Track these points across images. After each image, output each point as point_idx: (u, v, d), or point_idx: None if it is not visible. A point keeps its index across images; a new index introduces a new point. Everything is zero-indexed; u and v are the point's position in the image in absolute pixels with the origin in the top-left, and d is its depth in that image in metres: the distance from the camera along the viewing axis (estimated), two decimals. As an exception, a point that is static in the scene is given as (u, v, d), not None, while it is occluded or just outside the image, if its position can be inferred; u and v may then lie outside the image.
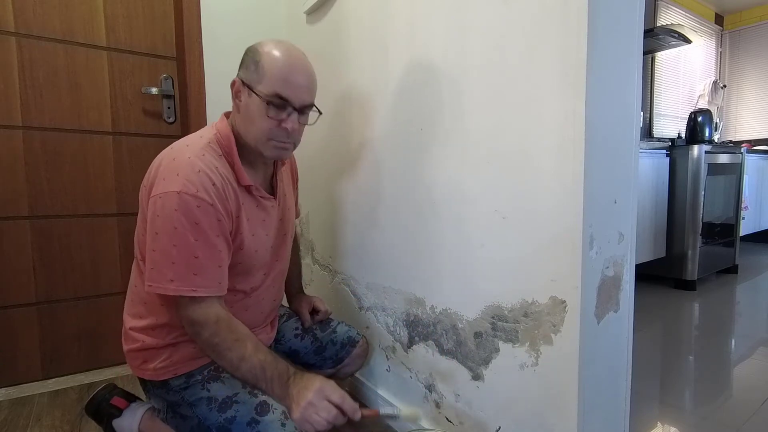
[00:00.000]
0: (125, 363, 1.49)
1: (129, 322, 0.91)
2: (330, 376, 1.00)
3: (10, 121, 1.31)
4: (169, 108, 1.54)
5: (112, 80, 1.44)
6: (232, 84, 0.88)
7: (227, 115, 0.92)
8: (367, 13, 1.15)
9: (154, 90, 1.48)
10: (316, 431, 0.75)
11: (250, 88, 0.84)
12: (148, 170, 0.86)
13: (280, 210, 1.00)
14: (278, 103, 0.84)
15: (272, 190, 0.98)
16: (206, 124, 1.50)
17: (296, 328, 1.13)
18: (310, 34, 1.46)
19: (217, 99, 1.53)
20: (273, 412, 0.82)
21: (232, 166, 0.87)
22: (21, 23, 1.30)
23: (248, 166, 0.90)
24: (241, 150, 0.88)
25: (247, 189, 0.89)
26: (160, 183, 0.79)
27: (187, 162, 0.80)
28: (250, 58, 0.86)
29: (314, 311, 1.15)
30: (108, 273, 1.48)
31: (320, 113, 0.93)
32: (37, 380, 1.40)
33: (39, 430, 1.13)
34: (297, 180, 1.16)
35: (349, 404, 0.77)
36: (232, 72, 1.59)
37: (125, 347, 0.91)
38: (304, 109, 0.88)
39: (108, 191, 1.46)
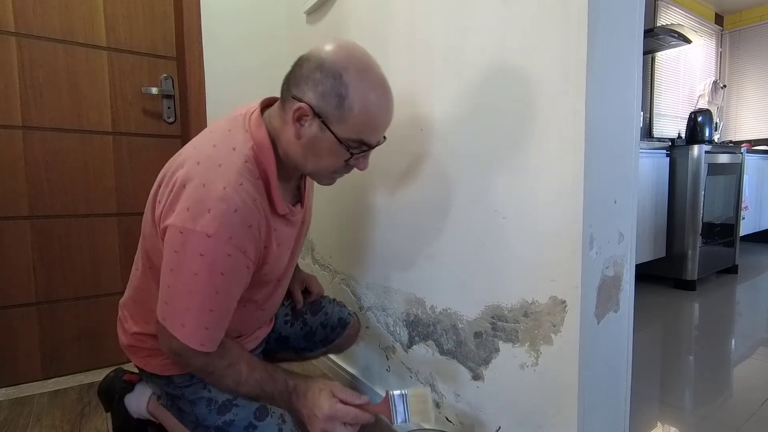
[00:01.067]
0: (125, 363, 1.50)
1: (134, 326, 0.86)
2: (322, 354, 1.04)
3: (10, 121, 1.31)
4: (169, 108, 1.54)
5: (112, 80, 1.44)
6: (296, 108, 0.70)
7: (268, 122, 0.77)
8: (367, 13, 1.15)
9: (154, 90, 1.48)
10: None
11: (325, 123, 0.70)
12: (162, 175, 0.76)
13: (303, 214, 0.90)
14: (358, 147, 0.73)
15: (299, 195, 0.89)
16: (206, 125, 1.50)
17: (286, 315, 1.10)
18: (310, 34, 1.46)
19: (217, 99, 1.53)
20: (271, 416, 0.81)
21: (267, 191, 0.75)
22: (21, 23, 1.30)
23: (282, 181, 0.79)
24: (278, 164, 0.76)
25: (282, 216, 0.80)
26: (184, 213, 0.67)
27: (222, 196, 0.67)
28: (332, 84, 0.68)
29: (306, 291, 1.12)
30: (108, 273, 1.48)
31: (385, 139, 0.79)
32: (37, 380, 1.40)
33: (39, 430, 1.13)
34: None
35: (362, 417, 0.75)
36: (232, 72, 1.60)
37: (126, 343, 0.88)
38: (378, 143, 0.77)
39: (108, 191, 1.46)
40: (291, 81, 0.73)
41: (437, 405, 1.01)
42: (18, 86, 1.31)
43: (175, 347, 0.72)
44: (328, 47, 0.70)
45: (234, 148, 0.72)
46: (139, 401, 1.00)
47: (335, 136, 0.71)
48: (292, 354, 1.12)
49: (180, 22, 1.48)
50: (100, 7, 1.40)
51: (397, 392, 0.77)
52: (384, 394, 0.79)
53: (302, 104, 0.69)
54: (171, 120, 1.55)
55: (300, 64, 0.72)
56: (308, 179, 0.92)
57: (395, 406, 0.77)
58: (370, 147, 0.75)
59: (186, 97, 1.48)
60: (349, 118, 0.69)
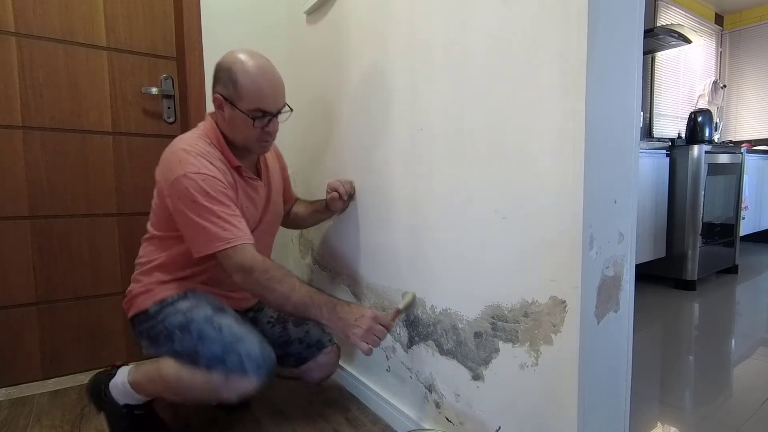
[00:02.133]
0: (125, 363, 1.50)
1: (137, 280, 1.06)
2: (293, 379, 1.12)
3: (10, 121, 1.31)
4: (169, 108, 1.54)
5: (112, 80, 1.44)
6: (214, 98, 1.01)
7: (212, 115, 1.07)
8: (367, 13, 1.15)
9: (154, 90, 1.48)
10: (372, 346, 0.94)
11: (232, 104, 0.99)
12: (157, 170, 1.02)
13: (267, 189, 1.15)
14: (260, 115, 0.99)
15: (258, 173, 1.14)
16: (206, 124, 1.51)
17: (271, 316, 1.19)
18: (310, 34, 1.46)
19: (217, 99, 1.53)
20: (228, 314, 0.99)
21: (222, 152, 1.03)
22: (21, 23, 1.30)
23: (235, 154, 1.05)
24: (227, 143, 1.04)
25: (237, 170, 1.04)
26: (168, 173, 0.96)
27: (183, 151, 0.96)
28: (227, 76, 0.98)
29: (337, 193, 1.21)
30: (108, 273, 1.48)
31: (291, 110, 1.07)
32: (37, 380, 1.40)
33: (39, 430, 1.13)
34: (285, 167, 1.30)
35: (391, 325, 0.98)
36: (232, 72, 1.58)
37: (125, 301, 1.06)
38: (279, 112, 1.03)
39: (108, 191, 1.46)
40: (213, 82, 1.03)
41: (437, 405, 1.01)
42: (18, 86, 1.31)
43: (233, 262, 0.93)
44: (225, 54, 1.01)
45: (191, 132, 1.05)
46: (123, 378, 1.03)
47: (240, 111, 0.98)
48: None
49: (180, 22, 1.48)
50: (100, 7, 1.40)
51: (400, 306, 1.04)
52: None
53: (216, 95, 1.01)
54: (171, 120, 1.55)
55: (214, 70, 1.02)
56: (267, 160, 1.17)
57: (405, 309, 1.04)
58: (272, 113, 1.01)
59: (186, 97, 1.48)
60: (243, 95, 0.97)
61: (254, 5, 1.59)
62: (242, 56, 0.98)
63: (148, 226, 1.08)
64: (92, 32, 1.40)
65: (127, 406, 1.03)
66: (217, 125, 1.05)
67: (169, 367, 0.93)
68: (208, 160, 0.97)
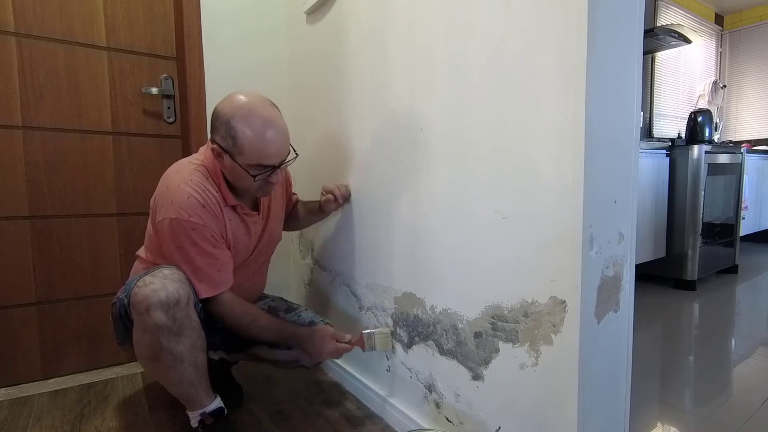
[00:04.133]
0: (125, 363, 1.50)
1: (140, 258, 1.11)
2: (292, 362, 1.15)
3: (10, 121, 1.31)
4: (169, 108, 1.54)
5: (112, 80, 1.44)
6: (212, 148, 0.98)
7: (213, 141, 1.02)
8: (367, 13, 1.15)
9: (154, 90, 1.48)
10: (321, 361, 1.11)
11: (231, 157, 0.96)
12: (153, 196, 1.02)
13: (264, 221, 1.14)
14: (261, 170, 0.97)
15: (256, 205, 1.13)
16: (206, 124, 1.51)
17: (261, 307, 1.19)
18: (310, 34, 1.46)
19: (217, 99, 1.51)
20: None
21: (219, 188, 1.00)
22: (21, 23, 1.30)
23: (234, 191, 1.04)
24: (227, 179, 1.02)
25: (233, 208, 1.04)
26: (160, 210, 0.96)
27: (177, 189, 0.95)
28: (225, 130, 0.94)
29: (333, 196, 1.22)
30: (108, 273, 1.48)
31: (297, 155, 1.07)
32: (37, 380, 1.40)
33: (39, 430, 1.13)
34: (290, 184, 1.32)
35: (343, 346, 1.10)
36: (232, 72, 1.60)
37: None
38: (283, 162, 1.01)
39: (108, 191, 1.46)
40: (211, 127, 1.00)
41: (437, 405, 1.01)
42: (18, 86, 1.31)
43: (214, 310, 1.01)
44: (225, 100, 0.96)
45: (190, 162, 1.02)
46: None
47: (240, 165, 0.96)
48: (264, 349, 1.16)
49: (180, 22, 1.48)
50: (100, 7, 1.40)
51: (367, 331, 1.11)
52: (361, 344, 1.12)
53: (214, 146, 0.97)
54: (171, 120, 1.55)
55: (212, 114, 0.98)
56: (266, 198, 1.14)
57: (367, 340, 1.11)
58: (272, 167, 0.98)
59: (186, 97, 1.48)
60: (243, 151, 0.94)
61: (254, 5, 1.59)
62: (243, 108, 0.93)
63: (141, 249, 1.11)
64: (92, 32, 1.40)
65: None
66: (218, 161, 1.02)
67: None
68: (201, 203, 0.95)
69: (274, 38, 1.64)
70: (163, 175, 1.02)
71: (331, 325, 1.20)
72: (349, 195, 1.26)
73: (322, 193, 1.25)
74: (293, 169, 1.27)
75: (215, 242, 0.98)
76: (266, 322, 1.07)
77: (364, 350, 1.11)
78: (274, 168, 0.99)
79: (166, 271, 0.94)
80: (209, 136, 1.02)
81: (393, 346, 1.13)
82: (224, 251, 1.01)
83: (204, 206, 0.96)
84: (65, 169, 1.39)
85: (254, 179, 0.97)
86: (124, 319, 0.99)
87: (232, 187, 1.03)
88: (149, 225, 1.07)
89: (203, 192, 0.96)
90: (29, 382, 1.38)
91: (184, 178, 0.97)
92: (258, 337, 1.07)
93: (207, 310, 1.01)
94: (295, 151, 1.05)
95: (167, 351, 0.92)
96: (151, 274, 0.93)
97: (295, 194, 1.36)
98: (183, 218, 0.93)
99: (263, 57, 1.62)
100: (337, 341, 1.10)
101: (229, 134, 0.93)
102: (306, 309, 1.25)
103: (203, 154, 1.04)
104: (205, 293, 0.98)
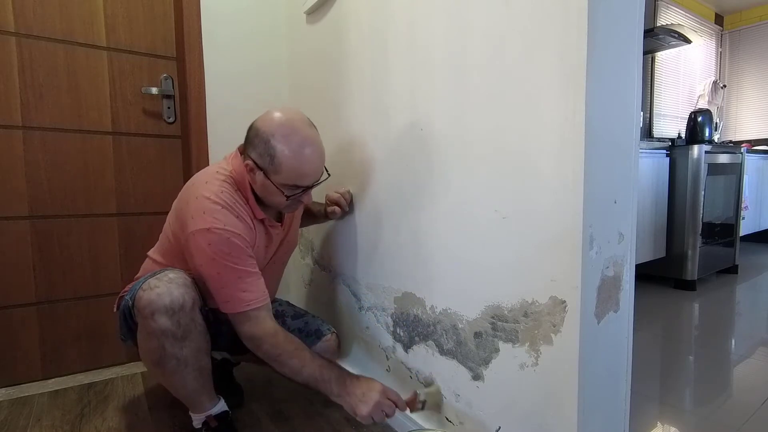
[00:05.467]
0: (125, 363, 1.51)
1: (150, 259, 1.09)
2: None
3: (10, 121, 1.31)
4: (169, 108, 1.54)
5: (112, 80, 1.44)
6: (246, 163, 0.96)
7: (241, 150, 1.00)
8: (367, 13, 1.15)
9: (154, 90, 1.48)
10: (379, 421, 0.92)
11: (265, 174, 0.94)
12: (175, 205, 1.01)
13: (284, 233, 1.14)
14: (295, 189, 0.96)
15: (280, 217, 1.12)
16: (206, 124, 1.51)
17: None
18: (310, 34, 1.46)
19: (217, 99, 1.54)
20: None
21: (248, 201, 0.99)
22: (21, 23, 1.30)
23: (261, 204, 1.02)
24: (254, 192, 1.00)
25: (261, 221, 1.03)
26: (191, 222, 0.92)
27: (209, 200, 0.92)
28: (263, 147, 0.92)
29: (338, 207, 1.22)
30: (108, 273, 1.48)
31: (329, 175, 1.04)
32: (37, 380, 1.40)
33: (39, 430, 1.13)
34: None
35: (401, 402, 0.94)
36: (232, 72, 1.60)
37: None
38: (317, 181, 1.00)
39: (108, 191, 1.46)
40: (246, 141, 0.98)
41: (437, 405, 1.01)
42: (18, 86, 1.31)
43: (245, 330, 0.93)
44: (265, 116, 0.95)
45: (217, 172, 0.98)
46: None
47: (274, 184, 0.95)
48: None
49: (180, 22, 1.48)
50: (100, 7, 1.40)
51: (420, 391, 0.97)
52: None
53: (249, 161, 0.96)
54: (171, 120, 1.55)
55: (249, 129, 0.97)
56: (294, 212, 1.14)
57: (419, 399, 0.96)
58: (305, 188, 0.98)
59: (186, 97, 1.48)
60: (280, 171, 0.93)
61: (254, 5, 1.59)
62: (284, 127, 0.92)
63: (153, 251, 1.09)
64: (92, 32, 1.40)
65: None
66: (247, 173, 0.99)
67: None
68: (234, 214, 0.93)
69: (274, 38, 1.64)
70: (189, 183, 1.00)
71: (338, 336, 1.21)
72: (351, 198, 1.26)
73: (326, 202, 1.25)
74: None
75: (248, 253, 0.95)
76: (310, 357, 0.94)
77: (413, 410, 0.97)
78: (307, 188, 0.98)
79: (172, 275, 0.92)
80: (242, 152, 0.99)
81: (440, 409, 1.00)
82: (255, 265, 0.97)
83: (237, 217, 0.94)
84: (65, 169, 1.39)
85: (287, 199, 0.97)
86: (129, 320, 0.98)
87: (259, 200, 1.01)
88: (168, 231, 1.04)
89: (235, 204, 0.95)
90: (29, 382, 1.38)
91: (215, 189, 0.94)
92: (295, 374, 0.93)
93: (241, 333, 0.95)
94: (327, 171, 1.03)
95: (171, 356, 0.91)
96: (156, 277, 0.92)
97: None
98: (217, 227, 0.90)
99: (263, 57, 1.62)
100: (388, 398, 0.93)
101: (268, 152, 0.92)
102: (313, 316, 1.24)
103: (231, 164, 1.00)
104: (249, 304, 0.93)
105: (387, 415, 0.91)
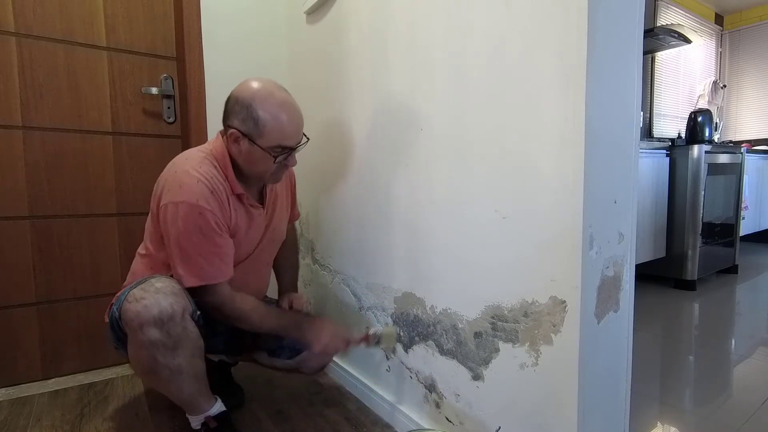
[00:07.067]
0: (125, 363, 1.50)
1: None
2: (291, 370, 1.16)
3: (10, 121, 1.31)
4: (169, 108, 1.54)
5: (112, 80, 1.44)
6: (230, 133, 0.98)
7: (224, 138, 1.02)
8: (367, 13, 1.15)
9: (154, 90, 1.48)
10: (333, 353, 1.11)
11: (251, 140, 0.96)
12: (156, 183, 1.00)
13: (268, 217, 1.13)
14: (280, 151, 0.98)
15: (262, 199, 1.12)
16: (206, 124, 1.51)
17: None
18: (310, 34, 1.46)
19: (217, 99, 1.52)
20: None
21: (227, 177, 1.00)
22: (21, 23, 1.30)
23: (241, 181, 1.03)
24: (235, 168, 1.02)
25: (239, 197, 1.03)
26: (166, 194, 0.94)
27: (186, 174, 0.94)
28: (246, 112, 0.95)
29: (291, 307, 1.22)
30: (108, 273, 1.48)
31: (308, 140, 1.07)
32: (37, 380, 1.40)
33: (39, 430, 1.13)
34: (294, 185, 1.28)
35: (354, 337, 1.11)
36: (232, 72, 1.60)
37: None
38: (299, 144, 1.02)
39: (108, 191, 1.46)
40: (224, 115, 1.00)
41: (437, 405, 1.01)
42: (18, 86, 1.31)
43: (209, 299, 0.97)
44: (240, 86, 0.97)
45: (199, 150, 1.02)
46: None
47: (260, 147, 0.96)
48: (264, 355, 1.17)
49: (180, 22, 1.48)
50: (100, 7, 1.40)
51: (373, 328, 1.14)
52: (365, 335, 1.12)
53: (233, 130, 0.97)
54: (171, 120, 1.55)
55: (227, 101, 0.99)
56: (272, 193, 1.14)
57: (372, 335, 1.11)
58: (291, 149, 0.99)
59: (186, 97, 1.48)
60: (264, 132, 0.95)
61: (254, 5, 1.59)
62: (262, 91, 0.95)
63: (144, 246, 1.08)
64: (92, 32, 1.40)
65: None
66: (228, 152, 1.01)
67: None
68: (209, 189, 0.94)
69: (274, 38, 1.64)
70: (171, 162, 1.01)
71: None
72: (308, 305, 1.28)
73: (282, 299, 1.25)
74: (296, 170, 1.27)
75: (220, 230, 0.96)
76: (266, 311, 1.05)
77: (368, 345, 1.11)
78: (291, 150, 1.00)
79: (159, 284, 0.90)
80: (224, 124, 1.01)
81: (394, 349, 1.13)
82: (227, 240, 0.99)
83: (212, 192, 0.95)
84: (65, 169, 1.39)
85: (274, 160, 0.98)
86: (118, 331, 0.97)
87: (239, 177, 1.02)
88: (149, 215, 1.04)
89: (212, 179, 0.96)
90: (29, 382, 1.38)
91: (194, 164, 0.96)
92: (258, 327, 1.04)
93: (203, 304, 0.98)
94: (306, 136, 1.05)
95: (164, 366, 0.90)
96: (141, 288, 0.90)
97: (298, 211, 1.35)
98: (191, 201, 0.91)
99: (263, 57, 1.62)
100: (340, 334, 1.10)
101: (251, 116, 0.94)
102: (307, 316, 1.23)
103: (212, 144, 1.03)
104: (206, 281, 0.95)
105: (339, 349, 1.09)
